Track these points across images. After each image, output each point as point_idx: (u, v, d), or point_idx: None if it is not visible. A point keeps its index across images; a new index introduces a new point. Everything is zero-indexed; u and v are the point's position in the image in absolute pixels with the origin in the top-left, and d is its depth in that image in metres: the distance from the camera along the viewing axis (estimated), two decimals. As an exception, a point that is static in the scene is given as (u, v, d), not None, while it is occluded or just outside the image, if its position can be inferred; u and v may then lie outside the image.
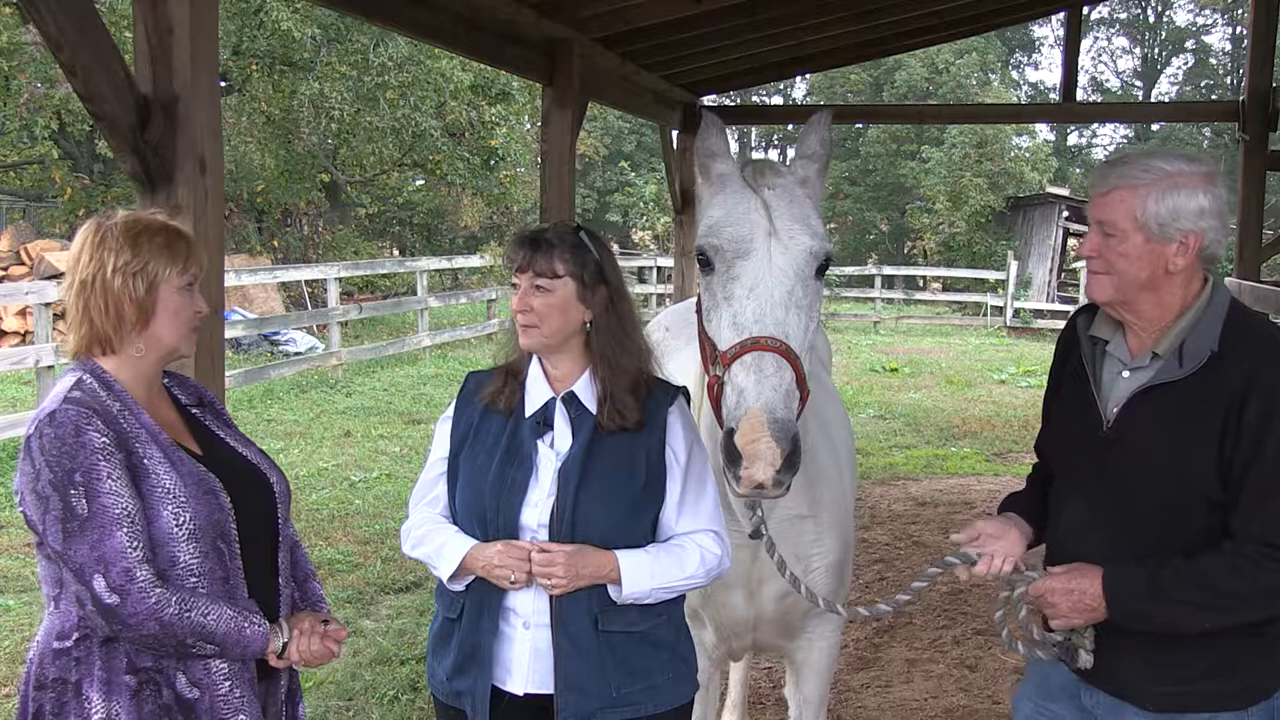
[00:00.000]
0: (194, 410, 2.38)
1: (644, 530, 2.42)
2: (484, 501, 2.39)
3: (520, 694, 2.38)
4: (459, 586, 2.40)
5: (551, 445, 2.42)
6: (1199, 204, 2.15)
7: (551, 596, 2.33)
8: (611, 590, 2.35)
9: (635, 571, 2.34)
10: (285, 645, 2.23)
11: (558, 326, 2.40)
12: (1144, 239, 2.17)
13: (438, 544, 2.41)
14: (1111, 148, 50.11)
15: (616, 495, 2.37)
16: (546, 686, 2.36)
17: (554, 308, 2.38)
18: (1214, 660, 2.21)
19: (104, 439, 2.07)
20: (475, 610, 2.39)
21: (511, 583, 2.31)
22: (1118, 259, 2.19)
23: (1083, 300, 2.38)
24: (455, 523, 2.45)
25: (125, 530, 2.05)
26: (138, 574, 2.04)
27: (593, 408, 2.42)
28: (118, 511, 2.05)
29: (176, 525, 2.12)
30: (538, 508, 2.37)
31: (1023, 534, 2.44)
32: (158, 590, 2.05)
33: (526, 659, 2.37)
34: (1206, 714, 2.23)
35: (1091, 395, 2.32)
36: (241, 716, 2.19)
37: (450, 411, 2.55)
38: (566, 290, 2.38)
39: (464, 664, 2.40)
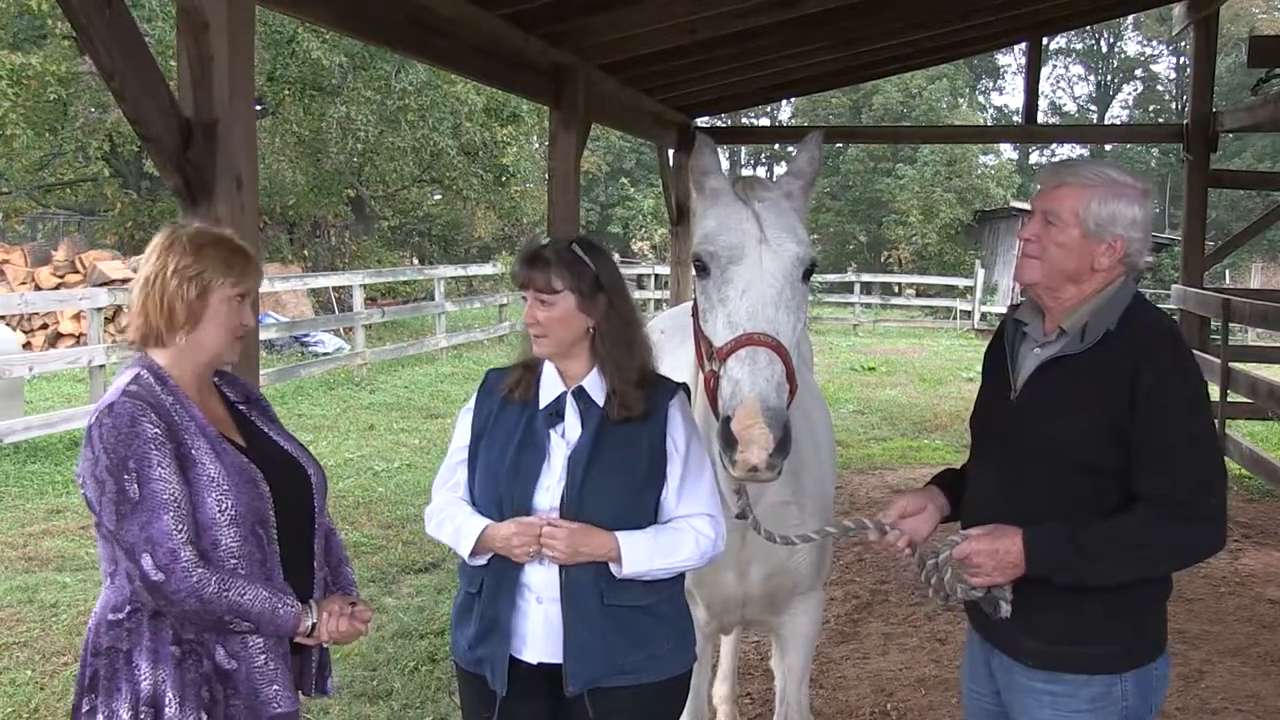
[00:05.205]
0: (241, 406, 2.38)
1: (646, 513, 2.41)
2: (501, 486, 2.39)
3: (534, 663, 2.38)
4: (478, 562, 2.41)
5: (563, 435, 2.42)
6: (1134, 214, 2.21)
7: (561, 573, 2.33)
8: (613, 567, 2.35)
9: (635, 551, 2.33)
10: (314, 625, 2.23)
11: (563, 335, 2.41)
12: (1081, 234, 2.21)
13: (457, 524, 2.42)
14: (1069, 166, 49.94)
15: (620, 481, 2.37)
16: (557, 656, 2.36)
17: (556, 320, 2.39)
18: (1091, 624, 2.20)
19: (156, 430, 2.07)
20: (494, 585, 2.40)
21: (528, 555, 2.32)
22: (1052, 246, 2.24)
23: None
24: (474, 505, 2.45)
25: (172, 514, 2.05)
26: (182, 554, 2.04)
27: (600, 401, 2.43)
28: (166, 497, 2.05)
29: (219, 511, 2.12)
30: (549, 491, 2.37)
31: (938, 509, 2.46)
32: (199, 570, 2.05)
33: (540, 631, 2.37)
34: (1083, 675, 2.21)
35: (1006, 369, 2.38)
36: (275, 686, 2.18)
37: (471, 403, 2.55)
38: (567, 303, 2.38)
39: (484, 634, 2.40)
